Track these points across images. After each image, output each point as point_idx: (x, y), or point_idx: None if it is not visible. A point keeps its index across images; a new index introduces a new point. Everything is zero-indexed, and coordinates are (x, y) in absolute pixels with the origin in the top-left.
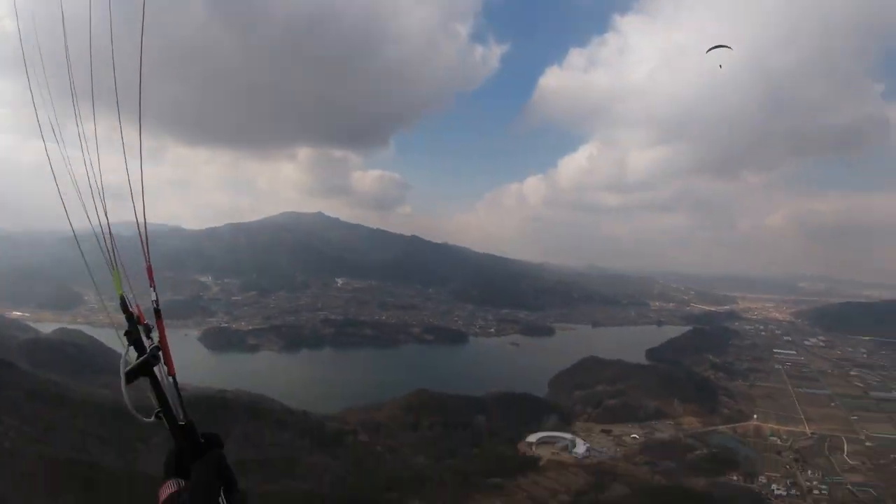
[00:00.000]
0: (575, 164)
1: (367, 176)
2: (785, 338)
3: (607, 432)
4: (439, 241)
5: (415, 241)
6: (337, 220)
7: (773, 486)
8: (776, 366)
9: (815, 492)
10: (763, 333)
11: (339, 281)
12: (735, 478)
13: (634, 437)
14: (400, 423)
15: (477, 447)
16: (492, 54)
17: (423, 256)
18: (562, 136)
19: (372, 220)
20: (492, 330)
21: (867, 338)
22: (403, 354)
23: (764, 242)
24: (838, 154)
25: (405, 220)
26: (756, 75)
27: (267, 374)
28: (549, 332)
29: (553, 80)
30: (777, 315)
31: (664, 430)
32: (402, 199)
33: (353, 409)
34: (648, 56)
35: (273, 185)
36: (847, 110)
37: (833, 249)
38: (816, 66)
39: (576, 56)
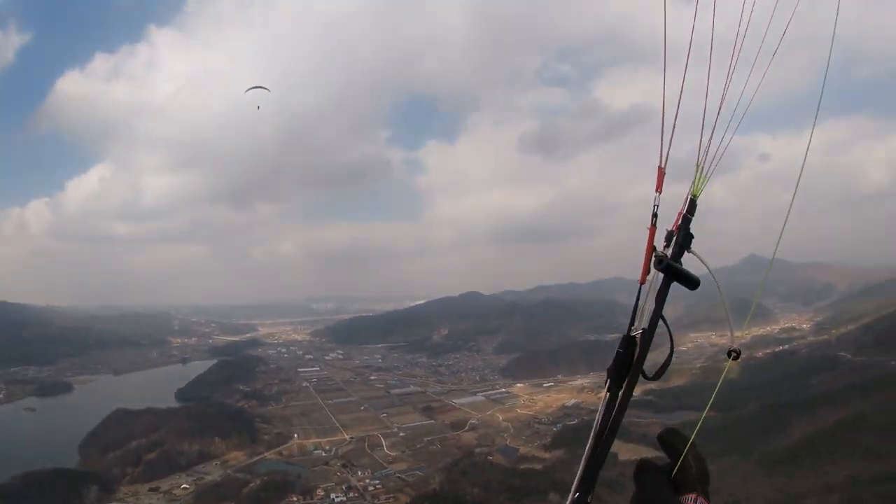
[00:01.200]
0: (86, 188)
1: None
2: (307, 356)
3: (156, 490)
4: None
5: None
6: None
7: (333, 496)
8: (304, 383)
9: (371, 488)
10: (286, 356)
11: None
12: (295, 499)
13: (185, 488)
14: None
15: None
16: (9, 43)
17: None
18: (73, 154)
19: None
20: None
21: (379, 345)
22: None
23: (277, 269)
24: (346, 188)
25: None
26: (278, 111)
27: None
28: (68, 388)
29: (72, 85)
30: (297, 336)
31: (213, 472)
32: None
33: None
34: (177, 75)
35: None
36: (357, 151)
37: (340, 272)
38: (335, 110)
39: (101, 62)
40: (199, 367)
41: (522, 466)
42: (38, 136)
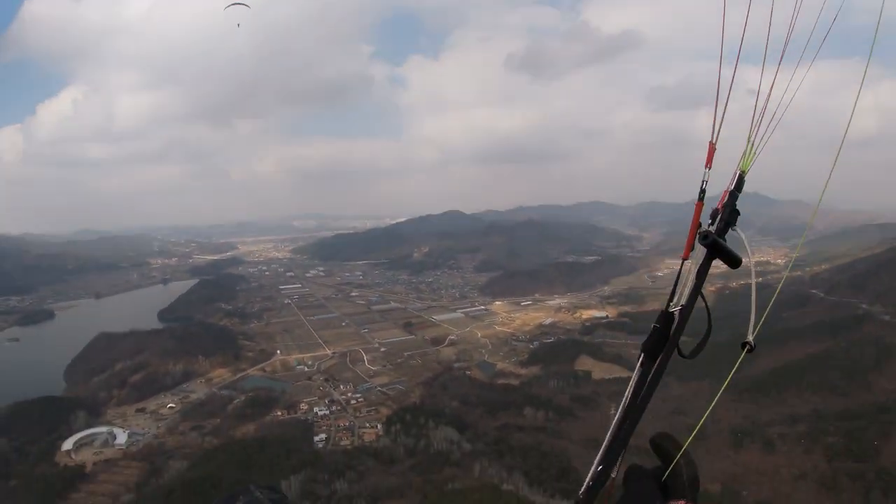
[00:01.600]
0: (57, 111)
1: None
2: (288, 274)
3: (142, 410)
4: None
5: None
6: None
7: (316, 409)
8: (286, 300)
9: (353, 402)
10: (267, 273)
11: None
12: (279, 413)
13: (172, 407)
14: None
15: (14, 477)
16: None
17: None
18: (42, 77)
19: None
20: None
21: (360, 262)
22: None
23: (256, 187)
24: (325, 104)
25: None
26: (255, 25)
27: None
28: (50, 315)
29: (39, 6)
30: (277, 254)
31: (198, 390)
32: None
33: None
34: None
35: None
36: (337, 66)
37: (321, 189)
38: (314, 23)
39: None
40: (180, 287)
41: (500, 381)
42: (5, 63)
